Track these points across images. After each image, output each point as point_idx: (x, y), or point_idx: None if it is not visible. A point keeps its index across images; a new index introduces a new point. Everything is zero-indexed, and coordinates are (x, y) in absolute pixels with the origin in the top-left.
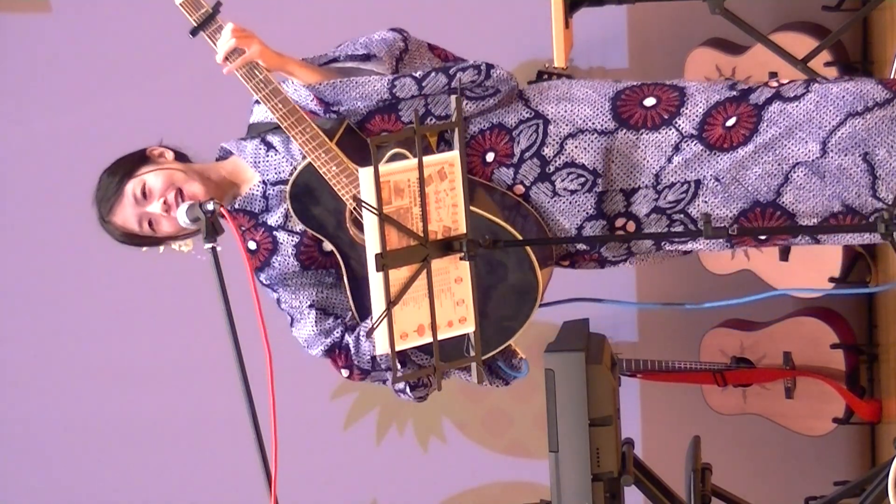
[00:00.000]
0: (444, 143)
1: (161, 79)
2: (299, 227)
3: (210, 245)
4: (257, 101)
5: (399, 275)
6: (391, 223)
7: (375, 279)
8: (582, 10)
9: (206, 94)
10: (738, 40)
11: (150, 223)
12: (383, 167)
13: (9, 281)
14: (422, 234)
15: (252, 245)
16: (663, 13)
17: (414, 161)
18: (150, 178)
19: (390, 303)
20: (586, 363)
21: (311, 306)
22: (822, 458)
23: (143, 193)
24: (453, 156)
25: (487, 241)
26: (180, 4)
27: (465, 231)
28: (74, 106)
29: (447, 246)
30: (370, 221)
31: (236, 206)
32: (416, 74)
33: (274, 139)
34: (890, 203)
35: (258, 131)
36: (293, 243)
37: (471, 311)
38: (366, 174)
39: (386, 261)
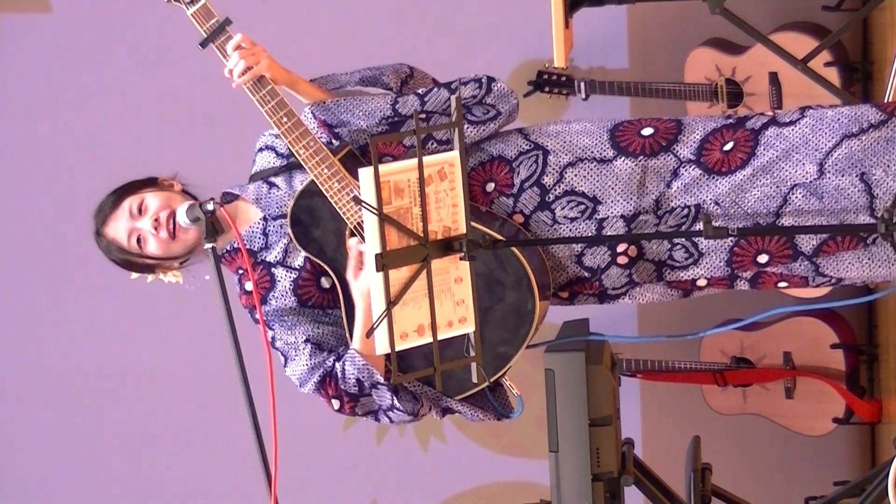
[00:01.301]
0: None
1: (161, 79)
2: (297, 262)
3: (210, 245)
4: (260, 150)
5: (399, 275)
6: (391, 223)
7: (375, 279)
8: (582, 10)
9: (207, 94)
10: (738, 40)
11: (138, 240)
12: (383, 167)
13: (7, 283)
14: (422, 234)
15: (249, 286)
16: (663, 13)
17: (414, 161)
18: (150, 196)
19: (390, 303)
20: (586, 363)
21: (306, 341)
22: (822, 458)
23: (140, 209)
24: (453, 156)
25: (487, 242)
26: (192, 15)
27: (465, 231)
28: (74, 106)
29: (447, 246)
30: (370, 221)
31: (235, 246)
32: (419, 91)
33: (276, 179)
34: (888, 208)
35: (260, 178)
36: (291, 279)
37: (471, 311)
38: (366, 174)
39: (386, 261)
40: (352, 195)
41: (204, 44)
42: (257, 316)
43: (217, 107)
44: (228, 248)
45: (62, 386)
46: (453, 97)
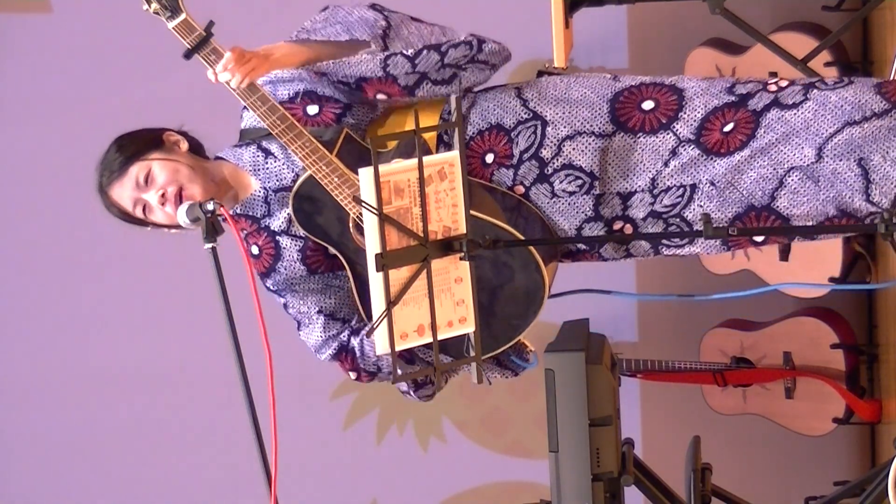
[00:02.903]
0: (444, 146)
1: (161, 79)
2: (303, 230)
3: (210, 245)
4: (245, 107)
5: (399, 275)
6: (391, 223)
7: (375, 279)
8: (582, 10)
9: (207, 94)
10: (738, 40)
11: (144, 208)
12: (383, 167)
13: (7, 283)
14: (422, 234)
15: (255, 250)
16: (663, 13)
17: (414, 161)
18: (157, 166)
19: (390, 303)
20: (586, 363)
21: (319, 312)
22: (822, 458)
23: (146, 180)
24: (453, 156)
25: (487, 241)
26: (173, 28)
27: (465, 231)
28: (74, 106)
29: (447, 246)
30: (370, 221)
31: (238, 211)
32: (409, 53)
33: (271, 145)
34: (885, 206)
35: (251, 137)
36: (297, 248)
37: (471, 311)
38: (366, 174)
39: (386, 261)
40: (352, 194)
41: (188, 55)
42: (266, 283)
43: (218, 106)
44: (233, 212)
45: (62, 386)
46: (454, 97)
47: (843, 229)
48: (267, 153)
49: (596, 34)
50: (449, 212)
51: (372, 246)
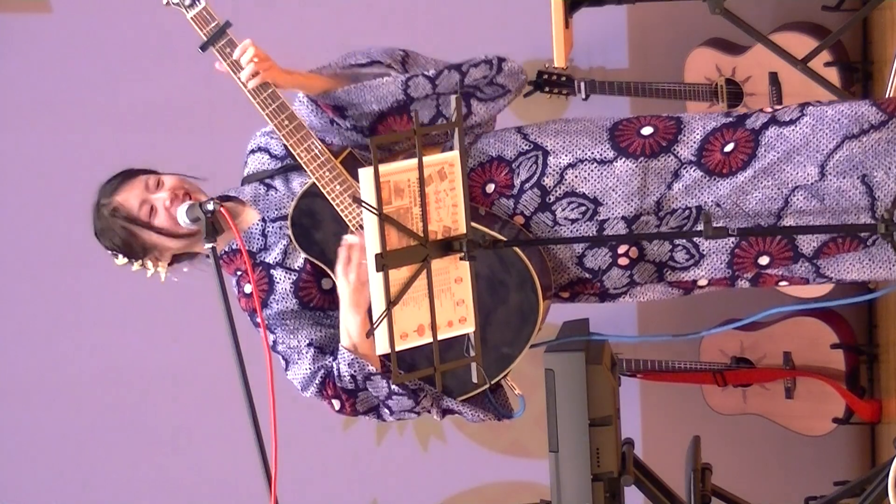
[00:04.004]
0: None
1: (161, 79)
2: (297, 263)
3: (210, 245)
4: (252, 151)
5: (399, 275)
6: (391, 223)
7: (375, 279)
8: (582, 10)
9: (206, 94)
10: (738, 40)
11: (150, 211)
12: (383, 167)
13: (7, 283)
14: (422, 234)
15: (247, 289)
16: (663, 13)
17: (414, 161)
18: (166, 176)
19: (390, 303)
20: (586, 363)
21: (309, 345)
22: (822, 458)
23: (157, 184)
24: (453, 156)
25: (487, 242)
26: (191, 18)
27: (465, 231)
28: (74, 106)
29: (447, 246)
30: (370, 221)
31: (234, 247)
32: (429, 73)
33: (274, 182)
34: (888, 208)
35: (254, 179)
36: (291, 280)
37: (471, 311)
38: (366, 174)
39: (386, 261)
40: (352, 196)
41: (204, 47)
42: (257, 319)
43: (218, 108)
44: (227, 248)
45: (63, 387)
46: (453, 97)
47: (843, 230)
48: (269, 187)
49: (596, 34)
50: (449, 212)
51: (372, 246)
